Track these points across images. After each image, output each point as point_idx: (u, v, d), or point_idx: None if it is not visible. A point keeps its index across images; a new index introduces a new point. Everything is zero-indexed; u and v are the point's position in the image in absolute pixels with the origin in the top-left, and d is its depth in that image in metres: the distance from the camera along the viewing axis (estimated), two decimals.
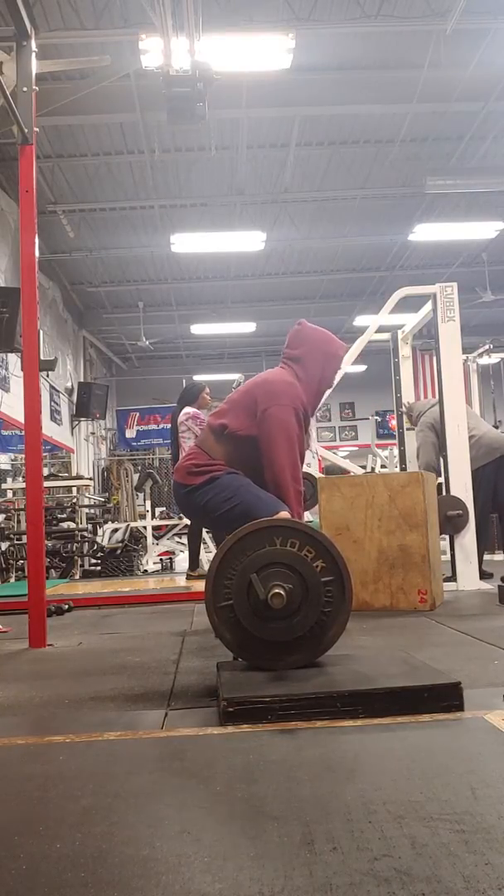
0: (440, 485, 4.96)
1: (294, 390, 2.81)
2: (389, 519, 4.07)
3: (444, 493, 4.96)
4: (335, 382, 3.11)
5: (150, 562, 9.16)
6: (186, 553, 6.80)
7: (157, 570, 9.04)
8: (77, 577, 8.66)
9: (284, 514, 2.57)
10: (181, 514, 9.26)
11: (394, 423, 5.95)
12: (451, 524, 4.83)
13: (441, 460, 5.08)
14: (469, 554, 4.88)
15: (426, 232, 10.94)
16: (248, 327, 15.12)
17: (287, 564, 2.23)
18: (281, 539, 2.27)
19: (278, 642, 2.23)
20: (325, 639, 2.26)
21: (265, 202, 10.61)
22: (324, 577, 2.25)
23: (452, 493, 4.88)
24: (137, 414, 16.97)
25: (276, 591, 2.16)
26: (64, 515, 9.66)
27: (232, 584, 2.24)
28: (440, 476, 5.04)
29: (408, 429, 5.79)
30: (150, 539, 9.40)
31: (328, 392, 3.12)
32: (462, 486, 4.89)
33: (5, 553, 8.55)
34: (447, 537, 4.99)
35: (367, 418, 12.80)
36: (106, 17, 6.79)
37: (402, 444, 5.96)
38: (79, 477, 11.29)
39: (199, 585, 4.60)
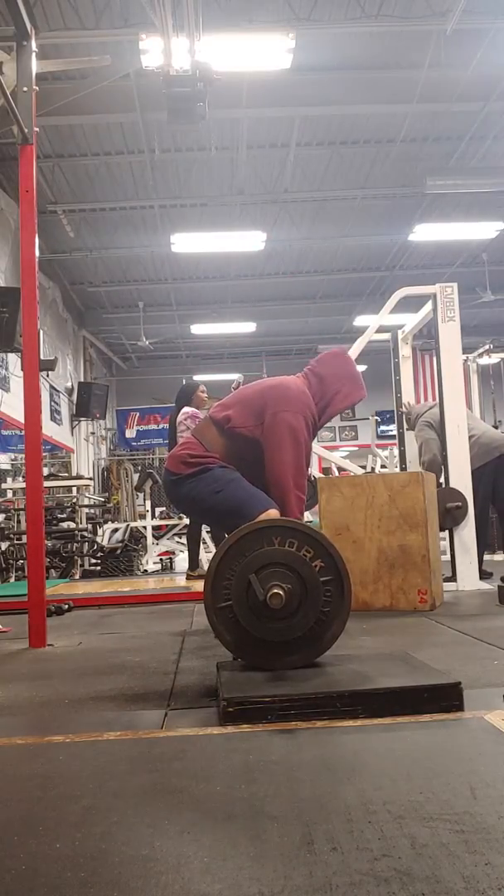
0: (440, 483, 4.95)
1: (306, 399, 2.80)
2: (389, 519, 4.07)
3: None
4: (341, 412, 3.06)
5: (150, 562, 9.16)
6: (186, 553, 6.79)
7: (157, 570, 9.03)
8: (77, 577, 8.65)
9: (273, 512, 2.56)
10: (181, 514, 9.28)
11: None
12: (451, 516, 4.81)
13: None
14: (468, 548, 4.87)
15: (426, 232, 10.93)
16: (248, 327, 15.13)
17: (286, 564, 2.23)
18: (279, 539, 2.26)
19: (277, 642, 2.23)
20: (324, 638, 2.26)
21: (265, 202, 10.60)
22: (323, 576, 2.24)
23: (452, 485, 4.87)
24: (137, 414, 16.96)
25: (275, 591, 2.16)
26: (64, 515, 9.65)
27: (231, 585, 2.24)
28: (444, 472, 5.02)
29: (407, 429, 5.78)
30: (150, 539, 9.40)
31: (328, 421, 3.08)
32: (462, 481, 4.88)
33: (5, 553, 8.55)
34: (447, 536, 4.98)
35: (367, 418, 12.78)
36: (106, 17, 6.79)
37: (402, 444, 5.95)
38: (79, 477, 11.29)
39: (199, 585, 4.59)
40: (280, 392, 2.78)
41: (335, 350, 3.05)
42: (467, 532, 4.86)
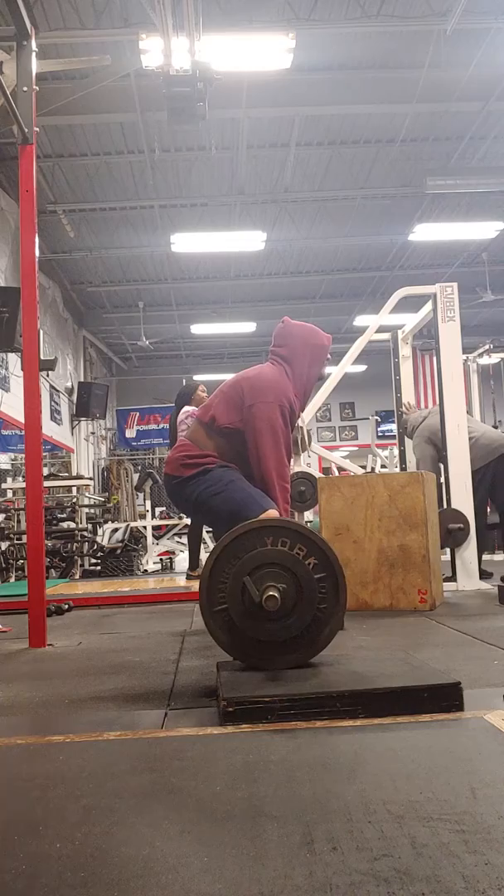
0: (440, 488, 4.94)
1: (281, 386, 2.78)
2: (389, 519, 4.07)
3: (443, 503, 4.93)
4: (324, 372, 3.08)
5: (150, 562, 9.16)
6: (186, 553, 6.79)
7: (157, 570, 9.04)
8: (77, 576, 8.65)
9: (273, 512, 2.56)
10: (181, 514, 9.28)
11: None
12: (453, 538, 4.81)
13: (442, 467, 5.07)
14: (469, 564, 4.86)
15: (426, 232, 10.93)
16: (248, 327, 15.12)
17: (279, 564, 2.23)
18: (272, 539, 2.26)
19: (275, 642, 2.23)
20: (321, 636, 2.26)
21: (265, 202, 10.60)
22: (317, 574, 2.24)
23: (453, 505, 4.86)
24: (137, 414, 16.97)
25: (271, 593, 2.15)
26: (64, 515, 9.65)
27: (226, 588, 2.24)
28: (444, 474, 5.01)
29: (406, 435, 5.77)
30: (150, 539, 9.40)
31: (320, 384, 3.11)
32: (463, 489, 4.87)
33: (5, 553, 8.54)
34: (447, 552, 4.97)
35: (367, 418, 12.79)
36: (106, 17, 6.79)
37: (401, 443, 5.96)
38: (79, 477, 11.28)
39: None
40: (253, 383, 2.78)
41: (279, 327, 3.02)
42: (469, 553, 4.85)
